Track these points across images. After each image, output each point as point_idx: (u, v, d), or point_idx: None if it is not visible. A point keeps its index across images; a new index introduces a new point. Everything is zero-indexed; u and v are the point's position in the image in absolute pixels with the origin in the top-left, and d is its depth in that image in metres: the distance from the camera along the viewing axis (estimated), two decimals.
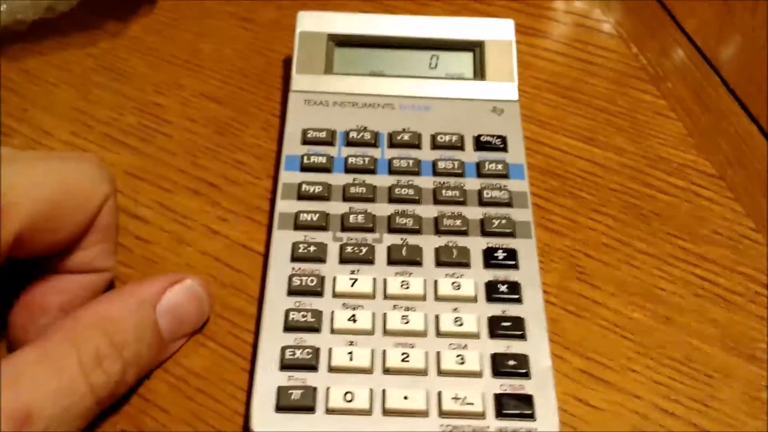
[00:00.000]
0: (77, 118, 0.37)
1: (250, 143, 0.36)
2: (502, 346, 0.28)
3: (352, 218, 0.31)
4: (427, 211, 0.32)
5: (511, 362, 0.27)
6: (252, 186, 0.34)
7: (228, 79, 0.39)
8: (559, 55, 0.41)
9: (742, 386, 0.29)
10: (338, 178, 0.32)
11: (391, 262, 0.30)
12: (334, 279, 0.29)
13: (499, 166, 0.33)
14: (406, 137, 0.34)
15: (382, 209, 0.32)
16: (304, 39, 0.37)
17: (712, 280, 0.32)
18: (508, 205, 0.32)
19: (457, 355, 0.27)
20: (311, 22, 0.37)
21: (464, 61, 0.37)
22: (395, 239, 0.31)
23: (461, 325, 0.28)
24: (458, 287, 0.29)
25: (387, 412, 0.26)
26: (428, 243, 0.31)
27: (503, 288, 0.29)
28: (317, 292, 0.29)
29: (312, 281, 0.29)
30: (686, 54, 0.41)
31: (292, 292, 0.29)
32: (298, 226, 0.31)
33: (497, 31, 0.37)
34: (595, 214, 0.34)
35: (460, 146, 0.34)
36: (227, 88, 0.38)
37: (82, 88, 0.38)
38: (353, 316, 0.28)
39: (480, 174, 0.33)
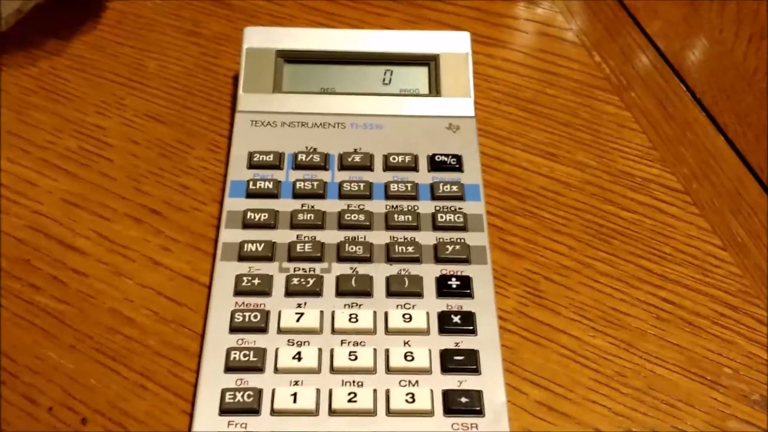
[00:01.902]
0: (13, 143, 0.35)
1: (196, 166, 0.34)
2: (454, 381, 0.26)
3: (299, 247, 0.30)
4: (379, 237, 0.30)
5: (464, 399, 0.26)
6: (197, 212, 0.33)
7: (173, 97, 0.37)
8: (520, 65, 0.40)
9: (707, 416, 0.27)
10: (286, 204, 0.31)
11: (340, 293, 0.29)
12: (279, 314, 0.28)
13: (454, 188, 0.32)
14: (357, 159, 0.32)
15: (332, 236, 0.30)
16: (251, 56, 0.35)
17: (676, 302, 0.31)
18: (463, 228, 0.30)
19: (407, 393, 0.26)
20: (259, 37, 0.36)
21: (419, 76, 0.35)
22: (345, 268, 0.29)
23: (412, 360, 0.27)
24: (409, 319, 0.28)
25: None
26: (379, 271, 0.29)
27: (456, 319, 0.28)
28: (261, 329, 0.27)
29: (255, 317, 0.28)
30: (650, 60, 0.40)
31: (234, 329, 0.27)
32: (243, 257, 0.29)
33: (452, 44, 0.36)
34: (555, 234, 0.33)
35: (413, 167, 0.32)
36: (173, 107, 0.37)
37: (20, 111, 0.36)
38: (298, 353, 0.27)
39: (434, 196, 0.31)
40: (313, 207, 0.31)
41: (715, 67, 0.41)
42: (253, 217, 0.30)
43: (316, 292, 0.28)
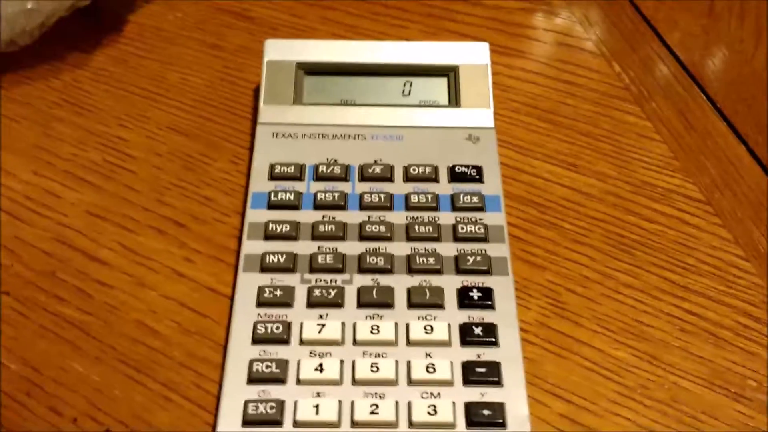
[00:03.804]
0: (39, 156, 0.35)
1: (218, 178, 0.35)
2: (476, 393, 0.26)
3: (320, 259, 0.30)
4: (400, 248, 0.30)
5: (486, 412, 0.26)
6: (220, 224, 0.33)
7: (195, 109, 0.38)
8: (539, 75, 0.40)
9: (730, 429, 0.27)
10: (307, 216, 0.31)
11: (362, 304, 0.29)
12: (301, 325, 0.28)
13: (475, 199, 0.32)
14: (377, 170, 0.33)
15: (353, 248, 0.30)
16: (271, 68, 0.35)
17: (700, 313, 0.30)
18: (484, 240, 0.30)
19: (429, 405, 0.26)
20: (279, 50, 0.36)
21: (438, 87, 0.35)
22: (366, 280, 0.29)
23: (434, 372, 0.27)
24: (431, 331, 0.28)
25: None
26: (400, 283, 0.29)
27: (478, 330, 0.28)
28: (283, 340, 0.28)
29: (278, 328, 0.28)
30: (670, 70, 0.40)
31: (256, 340, 0.28)
32: (265, 268, 0.29)
33: (472, 55, 0.36)
34: (576, 245, 0.32)
35: (434, 178, 0.32)
36: (195, 120, 0.37)
37: (44, 124, 0.37)
38: (320, 365, 0.27)
39: (455, 207, 0.31)
40: (334, 218, 0.31)
41: (735, 77, 0.40)
42: (274, 228, 0.31)
43: (338, 303, 0.29)
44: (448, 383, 0.27)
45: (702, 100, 0.39)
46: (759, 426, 0.27)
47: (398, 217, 0.31)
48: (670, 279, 0.31)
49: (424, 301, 0.29)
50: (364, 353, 0.27)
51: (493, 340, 0.28)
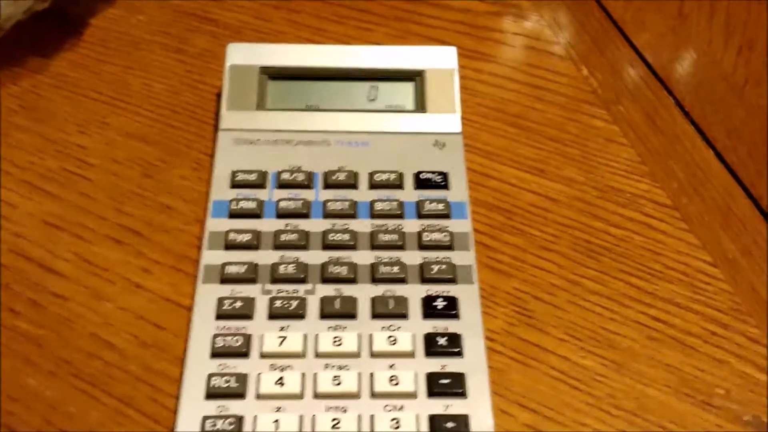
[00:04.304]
0: None
1: (178, 185, 0.34)
2: (440, 406, 0.26)
3: (282, 269, 0.29)
4: (364, 257, 0.30)
5: (450, 424, 0.25)
6: (180, 233, 0.32)
7: (157, 116, 0.37)
8: (507, 80, 0.39)
9: None
10: (269, 224, 0.30)
11: (324, 315, 0.28)
12: (262, 338, 0.27)
13: (440, 206, 0.31)
14: (342, 177, 0.32)
15: (316, 257, 0.30)
16: (234, 73, 0.35)
17: (667, 320, 0.30)
18: (449, 248, 0.30)
19: (392, 419, 0.25)
20: (242, 54, 0.35)
21: (405, 92, 0.35)
22: (329, 290, 0.29)
23: (397, 384, 0.26)
24: (394, 342, 0.27)
25: None
26: (364, 292, 0.29)
27: (442, 341, 0.27)
28: (243, 353, 0.27)
29: (237, 341, 0.27)
30: (638, 73, 0.40)
31: (215, 354, 0.27)
32: (225, 279, 0.29)
33: (439, 60, 0.35)
34: (543, 251, 0.32)
35: (399, 185, 0.32)
36: (156, 126, 0.36)
37: (1, 131, 0.36)
38: (281, 378, 0.26)
39: (420, 215, 0.31)
40: (297, 227, 0.30)
41: (703, 80, 0.40)
42: (235, 237, 0.30)
43: (300, 314, 0.28)
44: (412, 395, 0.26)
45: (670, 103, 0.38)
46: None
47: (362, 225, 0.31)
48: (637, 285, 0.31)
49: (387, 311, 0.28)
50: (326, 366, 0.27)
51: (458, 350, 0.27)
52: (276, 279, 0.29)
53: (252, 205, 0.31)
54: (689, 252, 0.32)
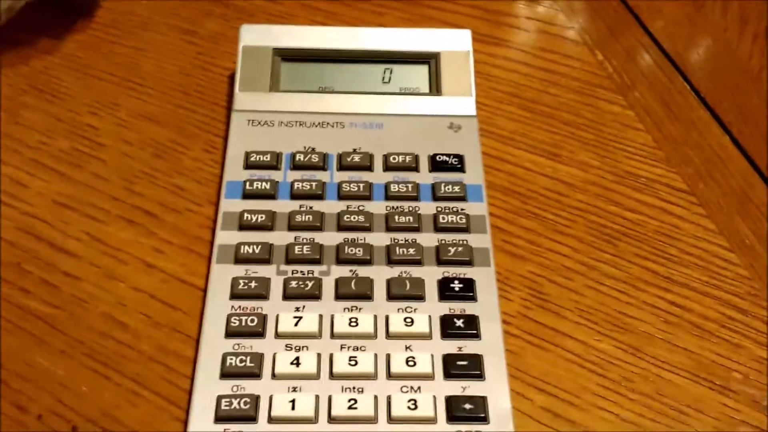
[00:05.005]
0: (5, 144, 0.34)
1: (191, 167, 0.34)
2: (458, 387, 0.26)
3: (297, 249, 0.29)
4: (379, 239, 0.29)
5: (468, 405, 0.25)
6: (192, 214, 0.32)
7: (168, 97, 0.36)
8: (522, 64, 0.39)
9: (716, 422, 0.27)
10: (283, 205, 0.30)
11: (339, 296, 0.28)
12: (277, 318, 0.27)
13: (456, 188, 0.31)
14: (356, 158, 0.32)
15: (331, 238, 0.29)
16: (247, 54, 0.34)
17: (684, 305, 0.30)
18: (465, 230, 0.30)
19: (409, 399, 0.25)
20: (256, 35, 0.35)
21: (419, 74, 0.34)
22: (344, 271, 0.28)
23: (414, 365, 0.26)
24: (411, 323, 0.27)
25: None
26: (380, 274, 0.28)
27: (459, 322, 0.27)
28: (258, 333, 0.27)
29: (252, 321, 0.27)
30: (653, 59, 0.40)
31: (230, 333, 0.27)
32: (239, 259, 0.28)
33: (453, 42, 0.35)
34: (559, 235, 0.32)
35: (414, 167, 0.32)
36: (167, 107, 0.36)
37: (12, 111, 0.35)
38: (296, 359, 0.26)
39: (435, 197, 0.31)
40: (311, 208, 0.30)
41: (719, 66, 0.40)
42: (249, 218, 0.30)
43: (315, 295, 0.28)
44: (429, 377, 0.26)
45: (685, 89, 0.38)
46: (744, 419, 0.27)
47: (378, 207, 0.30)
48: (653, 270, 0.31)
49: (404, 292, 0.28)
50: (342, 346, 0.26)
51: (475, 332, 0.27)
52: (291, 260, 0.29)
53: (266, 185, 0.31)
54: (706, 237, 0.32)
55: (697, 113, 0.37)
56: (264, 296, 0.28)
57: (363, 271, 0.28)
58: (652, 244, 0.32)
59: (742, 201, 0.33)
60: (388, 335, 0.27)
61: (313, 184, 0.31)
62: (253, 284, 0.28)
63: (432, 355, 0.26)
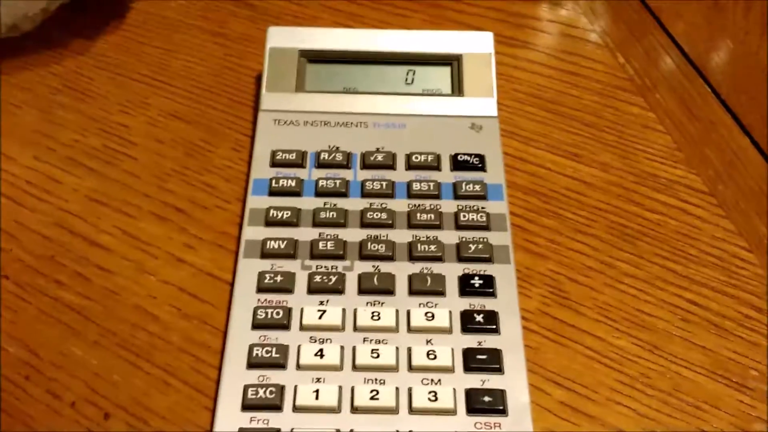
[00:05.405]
0: (40, 141, 0.35)
1: (219, 165, 0.34)
2: (477, 380, 0.26)
3: (321, 245, 0.30)
4: (401, 235, 0.30)
5: (487, 398, 0.26)
6: (221, 211, 0.33)
7: (198, 97, 0.37)
8: (543, 66, 0.39)
9: (732, 419, 0.27)
10: (308, 202, 0.31)
11: (362, 291, 0.28)
12: (302, 311, 0.28)
13: (477, 187, 0.31)
14: (379, 158, 0.32)
15: (354, 234, 0.30)
16: (274, 55, 0.35)
17: (702, 304, 0.30)
18: (486, 228, 0.30)
19: (430, 392, 0.26)
20: (282, 37, 0.36)
21: (441, 76, 0.35)
22: (367, 267, 0.29)
23: (434, 358, 0.27)
24: (432, 318, 0.28)
25: None
26: (401, 270, 0.29)
27: (479, 318, 0.28)
28: (283, 325, 0.27)
29: (278, 313, 0.28)
30: (674, 61, 0.40)
31: (256, 325, 0.27)
32: (265, 254, 0.29)
33: (476, 44, 0.35)
34: (579, 234, 0.32)
35: (436, 166, 0.32)
36: (197, 107, 0.37)
37: (46, 110, 0.37)
38: (320, 350, 0.27)
39: (457, 195, 0.31)
40: (335, 205, 0.31)
41: (739, 69, 0.40)
42: (275, 214, 0.30)
43: (339, 289, 0.28)
44: (449, 370, 0.26)
45: (706, 91, 0.38)
46: (761, 416, 0.27)
47: (400, 204, 0.31)
48: (672, 269, 0.31)
49: (425, 288, 0.28)
50: (364, 339, 0.27)
51: (494, 327, 0.27)
52: (315, 255, 0.29)
53: (292, 183, 0.31)
54: (725, 237, 0.32)
55: (717, 115, 0.37)
56: (289, 290, 0.28)
57: (385, 267, 0.29)
58: (672, 244, 0.32)
59: (761, 202, 0.34)
60: (410, 329, 0.28)
61: (337, 182, 0.31)
62: (278, 278, 0.29)
63: (452, 349, 0.27)
